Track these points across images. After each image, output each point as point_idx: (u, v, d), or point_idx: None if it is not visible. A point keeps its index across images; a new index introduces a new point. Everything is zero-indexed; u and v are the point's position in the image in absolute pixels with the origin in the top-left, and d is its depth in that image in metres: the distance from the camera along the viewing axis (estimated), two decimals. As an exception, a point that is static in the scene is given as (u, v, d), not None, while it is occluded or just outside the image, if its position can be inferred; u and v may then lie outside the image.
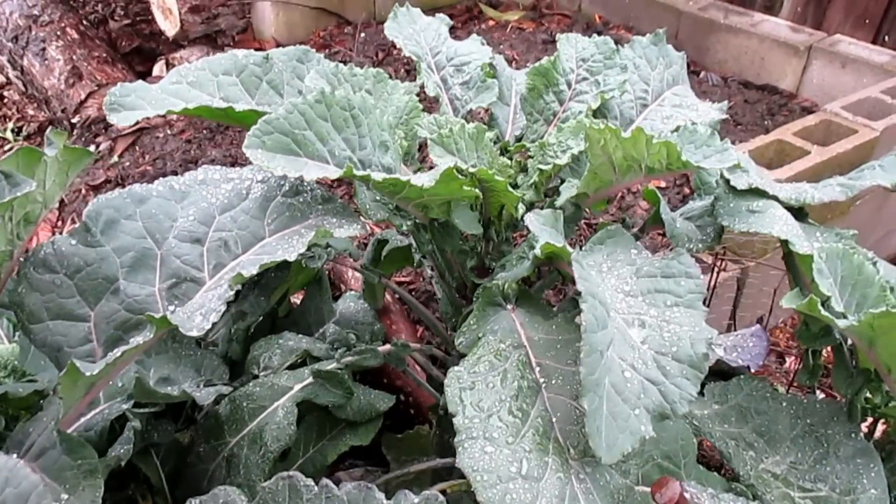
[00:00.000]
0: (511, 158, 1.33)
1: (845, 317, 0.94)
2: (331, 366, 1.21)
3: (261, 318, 1.56)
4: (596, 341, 0.79)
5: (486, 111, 1.48)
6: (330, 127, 0.92)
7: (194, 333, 0.74)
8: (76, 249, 0.85)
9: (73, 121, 3.31)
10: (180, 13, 3.39)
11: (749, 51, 3.36)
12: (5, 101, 3.86)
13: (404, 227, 1.24)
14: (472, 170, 1.05)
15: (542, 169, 1.20)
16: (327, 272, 1.91)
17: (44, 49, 3.46)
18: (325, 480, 0.78)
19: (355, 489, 0.76)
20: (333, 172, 0.86)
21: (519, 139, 1.42)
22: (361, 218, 1.09)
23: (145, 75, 3.67)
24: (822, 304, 0.94)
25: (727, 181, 1.16)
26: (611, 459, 0.79)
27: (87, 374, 0.74)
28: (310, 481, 0.77)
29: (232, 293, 0.77)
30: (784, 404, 1.15)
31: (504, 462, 0.78)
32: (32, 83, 3.49)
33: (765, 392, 1.17)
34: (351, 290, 2.04)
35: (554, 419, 0.86)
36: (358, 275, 2.16)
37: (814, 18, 3.36)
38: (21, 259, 0.92)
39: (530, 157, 1.29)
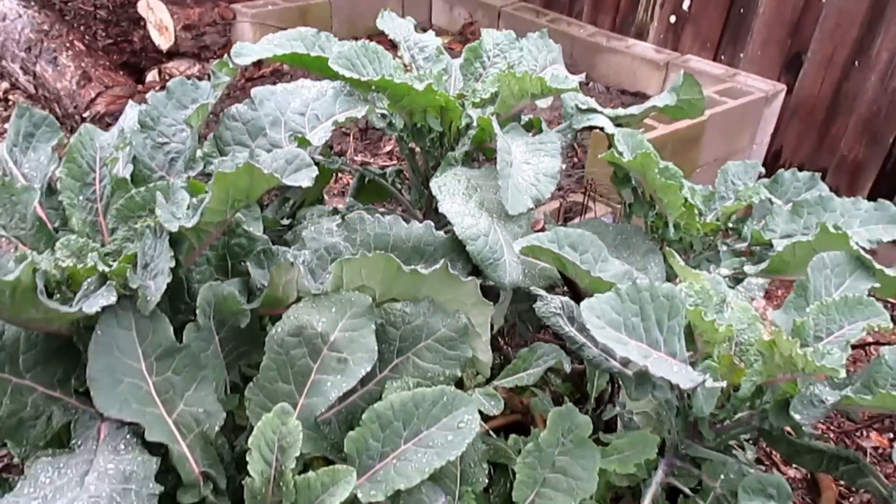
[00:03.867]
0: (457, 102, 2.20)
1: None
2: (352, 216, 2.04)
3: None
4: (506, 158, 1.66)
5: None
6: (366, 61, 1.77)
7: (316, 143, 1.57)
8: (246, 111, 1.65)
9: (84, 115, 4.00)
10: (175, 30, 4.16)
11: (625, 67, 4.35)
12: (10, 103, 4.51)
13: (394, 136, 2.10)
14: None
15: (475, 101, 2.08)
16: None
17: (55, 57, 4.16)
18: (377, 214, 1.60)
19: (391, 217, 1.59)
20: (375, 79, 1.71)
21: (459, 96, 2.30)
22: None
23: (140, 82, 4.40)
24: (619, 154, 1.84)
25: (577, 106, 2.06)
26: (514, 213, 1.65)
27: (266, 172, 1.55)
28: (368, 215, 1.59)
29: (334, 127, 1.60)
30: (611, 229, 2.04)
31: (463, 209, 1.63)
32: (45, 86, 4.17)
33: (601, 223, 2.06)
34: (336, 218, 2.85)
35: (484, 202, 1.72)
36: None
37: (672, 43, 4.40)
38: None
39: (467, 99, 2.16)
